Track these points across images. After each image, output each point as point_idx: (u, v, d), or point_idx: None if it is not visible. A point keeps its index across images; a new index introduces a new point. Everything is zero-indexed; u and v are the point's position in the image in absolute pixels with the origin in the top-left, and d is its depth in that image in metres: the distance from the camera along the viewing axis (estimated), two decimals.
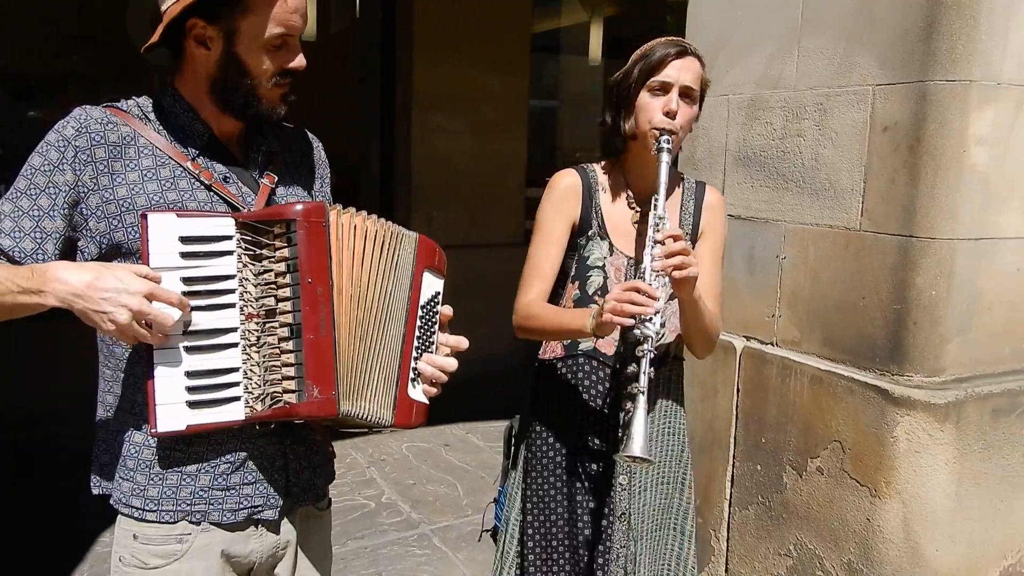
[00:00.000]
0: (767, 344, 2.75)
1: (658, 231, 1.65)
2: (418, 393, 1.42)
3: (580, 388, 1.90)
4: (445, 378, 1.44)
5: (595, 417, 1.89)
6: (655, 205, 1.69)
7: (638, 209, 1.89)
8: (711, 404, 2.92)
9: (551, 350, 1.95)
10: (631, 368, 1.81)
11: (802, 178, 2.60)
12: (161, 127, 1.34)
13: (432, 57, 5.52)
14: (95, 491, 1.41)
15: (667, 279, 1.63)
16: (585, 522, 1.89)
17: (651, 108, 1.77)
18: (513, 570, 2.04)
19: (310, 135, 1.60)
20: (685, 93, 1.76)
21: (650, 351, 1.59)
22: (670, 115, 1.74)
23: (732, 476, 2.86)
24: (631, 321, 1.59)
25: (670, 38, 1.83)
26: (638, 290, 1.58)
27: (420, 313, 1.41)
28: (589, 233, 1.88)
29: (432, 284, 1.43)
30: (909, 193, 2.29)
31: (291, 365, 1.25)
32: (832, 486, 2.49)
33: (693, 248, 1.89)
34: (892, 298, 2.34)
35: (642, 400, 1.56)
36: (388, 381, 1.37)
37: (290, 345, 1.25)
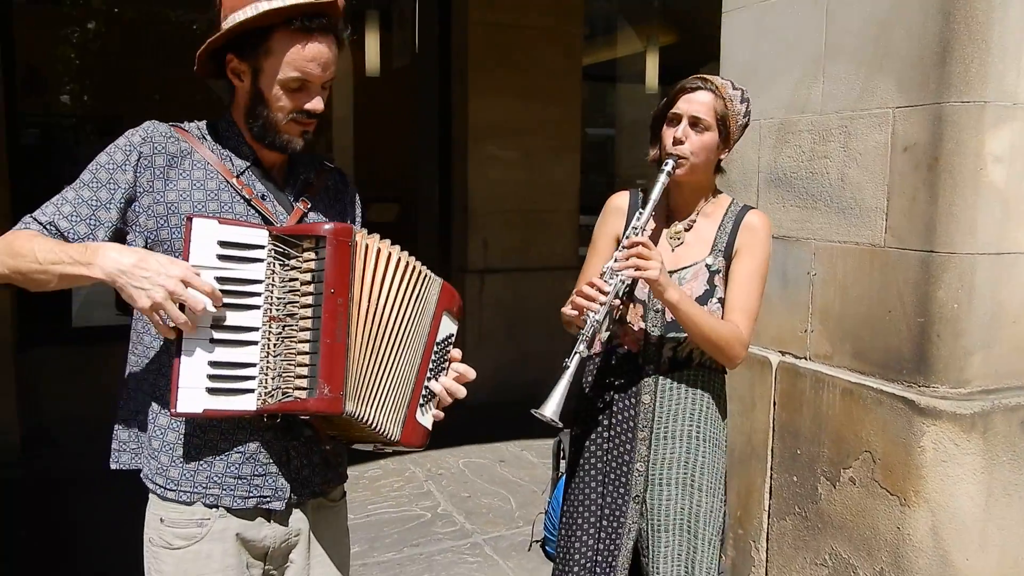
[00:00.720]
0: (801, 358, 2.84)
1: (627, 237, 1.88)
2: (426, 419, 1.59)
3: (612, 381, 2.09)
4: (449, 400, 1.62)
5: (619, 406, 2.07)
6: (638, 216, 1.92)
7: (674, 224, 2.10)
8: (749, 417, 3.02)
9: (596, 348, 2.16)
10: (649, 367, 2.04)
11: (829, 197, 2.71)
12: (214, 146, 1.54)
13: (486, 89, 5.76)
14: (112, 466, 1.54)
15: (620, 276, 1.86)
16: (607, 501, 2.08)
17: (666, 137, 2.01)
18: None
19: (347, 177, 1.77)
20: (694, 123, 1.96)
21: (586, 334, 1.83)
22: (676, 142, 1.95)
23: (770, 488, 2.95)
24: (575, 314, 1.87)
25: (697, 75, 2.03)
26: (592, 284, 1.83)
27: (435, 349, 1.60)
28: None
29: (448, 326, 1.63)
30: (929, 210, 2.38)
31: (305, 365, 1.37)
32: (864, 496, 2.56)
33: (728, 266, 2.05)
34: (916, 311, 2.43)
35: (567, 373, 1.81)
36: (400, 401, 1.53)
37: (307, 347, 1.37)
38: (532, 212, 5.97)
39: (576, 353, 1.83)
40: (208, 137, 1.55)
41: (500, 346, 5.80)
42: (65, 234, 1.42)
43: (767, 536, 2.96)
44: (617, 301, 1.99)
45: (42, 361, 4.84)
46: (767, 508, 2.96)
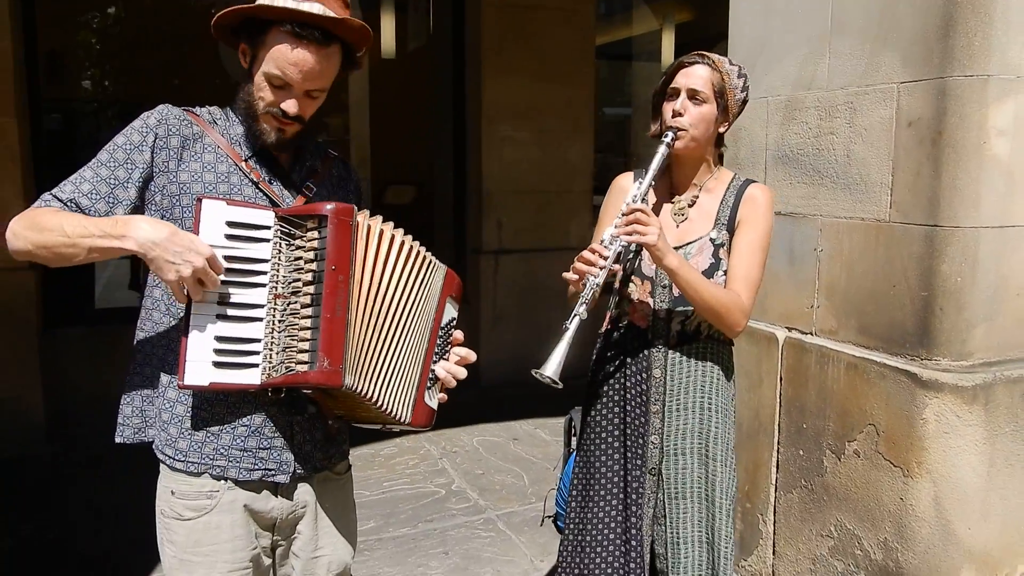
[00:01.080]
0: (807, 334, 2.87)
1: (627, 205, 1.92)
2: (432, 400, 1.65)
3: (621, 355, 2.15)
4: (454, 383, 1.68)
5: (631, 381, 2.13)
6: (638, 185, 1.97)
7: (677, 200, 2.14)
8: (757, 393, 3.05)
9: (604, 324, 2.22)
10: (659, 342, 2.09)
11: (836, 174, 2.72)
12: (224, 131, 1.59)
13: (499, 71, 5.78)
14: (117, 439, 1.59)
15: (620, 242, 1.90)
16: (632, 476, 2.13)
17: (665, 110, 2.05)
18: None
19: (351, 166, 1.82)
20: (692, 95, 2.01)
21: (585, 297, 1.87)
22: (675, 114, 2.00)
23: (777, 461, 2.98)
24: (575, 278, 1.90)
25: (695, 52, 2.07)
26: (593, 250, 1.88)
27: (440, 332, 1.66)
28: None
29: (450, 310, 1.69)
30: (933, 184, 2.39)
31: (307, 340, 1.41)
32: (868, 468, 2.59)
33: (731, 238, 2.09)
34: (920, 285, 2.45)
35: (567, 335, 1.86)
36: (410, 383, 1.59)
37: (308, 323, 1.42)
38: (546, 193, 6.00)
39: (575, 315, 1.87)
40: (218, 122, 1.61)
41: (514, 326, 5.86)
42: (86, 211, 1.47)
43: (774, 509, 3.00)
44: (617, 267, 2.03)
45: (66, 342, 4.95)
46: (774, 482, 3.00)
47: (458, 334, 1.72)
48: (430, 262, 1.62)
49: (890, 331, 2.55)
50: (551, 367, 1.83)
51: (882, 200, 2.56)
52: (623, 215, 1.89)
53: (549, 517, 3.78)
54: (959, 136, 2.33)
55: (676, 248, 2.01)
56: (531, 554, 3.48)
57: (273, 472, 1.58)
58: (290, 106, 1.52)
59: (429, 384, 1.63)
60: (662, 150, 1.98)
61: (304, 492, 1.65)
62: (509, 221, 5.90)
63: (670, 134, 1.99)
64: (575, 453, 2.33)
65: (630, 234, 1.86)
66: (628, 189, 2.15)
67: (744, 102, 2.08)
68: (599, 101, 7.30)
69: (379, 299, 1.51)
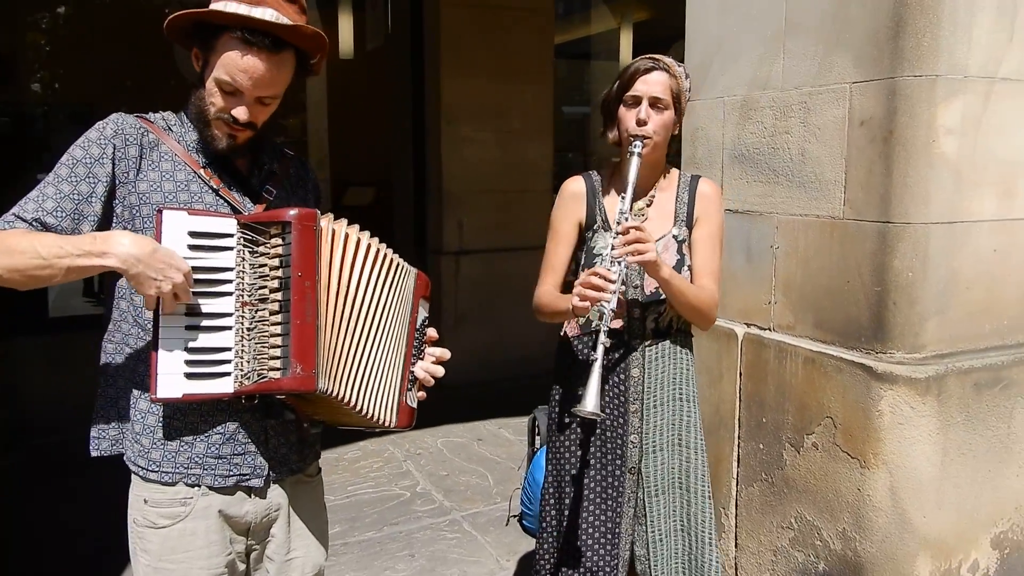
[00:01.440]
0: (765, 330, 2.91)
1: (619, 224, 1.92)
2: (413, 401, 1.68)
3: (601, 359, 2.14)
4: (432, 382, 1.70)
5: (610, 382, 2.14)
6: (622, 200, 1.97)
7: (635, 203, 2.14)
8: (717, 389, 3.09)
9: (571, 328, 2.23)
10: (635, 341, 2.11)
11: (791, 172, 2.77)
12: (180, 137, 1.57)
13: (459, 71, 5.78)
14: (93, 453, 1.57)
15: (623, 263, 1.90)
16: (600, 475, 2.15)
17: (627, 119, 2.06)
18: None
19: (308, 164, 1.82)
20: (654, 103, 2.03)
21: (605, 325, 1.87)
22: (640, 123, 2.01)
23: (738, 456, 3.03)
24: (586, 305, 1.88)
25: (647, 56, 2.10)
26: (597, 275, 1.86)
27: (416, 334, 1.68)
28: (595, 227, 2.17)
29: (422, 311, 1.72)
30: (884, 182, 2.45)
31: (278, 347, 1.41)
32: (826, 460, 2.64)
33: (690, 234, 2.13)
34: (873, 281, 2.50)
35: (596, 367, 1.84)
36: (391, 387, 1.61)
37: (279, 329, 1.42)
38: (506, 192, 6.02)
39: (600, 344, 1.88)
40: (173, 128, 1.59)
41: (477, 327, 5.86)
42: (52, 230, 1.44)
43: (736, 502, 3.05)
44: (623, 287, 2.04)
45: (20, 351, 4.84)
46: (735, 475, 3.04)
47: (432, 332, 1.74)
48: (399, 265, 1.63)
49: (845, 325, 2.61)
50: (590, 403, 1.83)
51: (836, 198, 2.61)
52: (617, 233, 1.91)
53: (515, 516, 3.79)
54: (909, 135, 2.39)
55: None
56: (497, 554, 3.49)
57: (248, 477, 1.58)
58: (240, 113, 1.51)
59: (409, 386, 1.65)
60: (636, 161, 1.99)
61: (277, 494, 1.65)
62: (470, 221, 5.90)
63: (639, 144, 2.00)
64: (546, 457, 2.32)
65: (631, 254, 1.88)
66: (580, 194, 2.19)
67: (688, 100, 2.13)
68: (558, 100, 7.33)
69: (349, 303, 1.52)
